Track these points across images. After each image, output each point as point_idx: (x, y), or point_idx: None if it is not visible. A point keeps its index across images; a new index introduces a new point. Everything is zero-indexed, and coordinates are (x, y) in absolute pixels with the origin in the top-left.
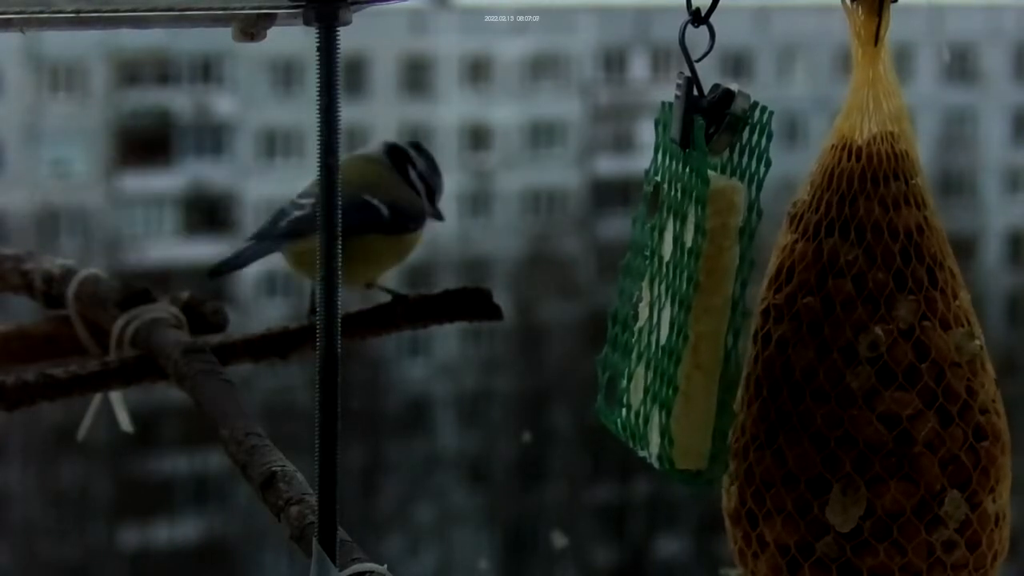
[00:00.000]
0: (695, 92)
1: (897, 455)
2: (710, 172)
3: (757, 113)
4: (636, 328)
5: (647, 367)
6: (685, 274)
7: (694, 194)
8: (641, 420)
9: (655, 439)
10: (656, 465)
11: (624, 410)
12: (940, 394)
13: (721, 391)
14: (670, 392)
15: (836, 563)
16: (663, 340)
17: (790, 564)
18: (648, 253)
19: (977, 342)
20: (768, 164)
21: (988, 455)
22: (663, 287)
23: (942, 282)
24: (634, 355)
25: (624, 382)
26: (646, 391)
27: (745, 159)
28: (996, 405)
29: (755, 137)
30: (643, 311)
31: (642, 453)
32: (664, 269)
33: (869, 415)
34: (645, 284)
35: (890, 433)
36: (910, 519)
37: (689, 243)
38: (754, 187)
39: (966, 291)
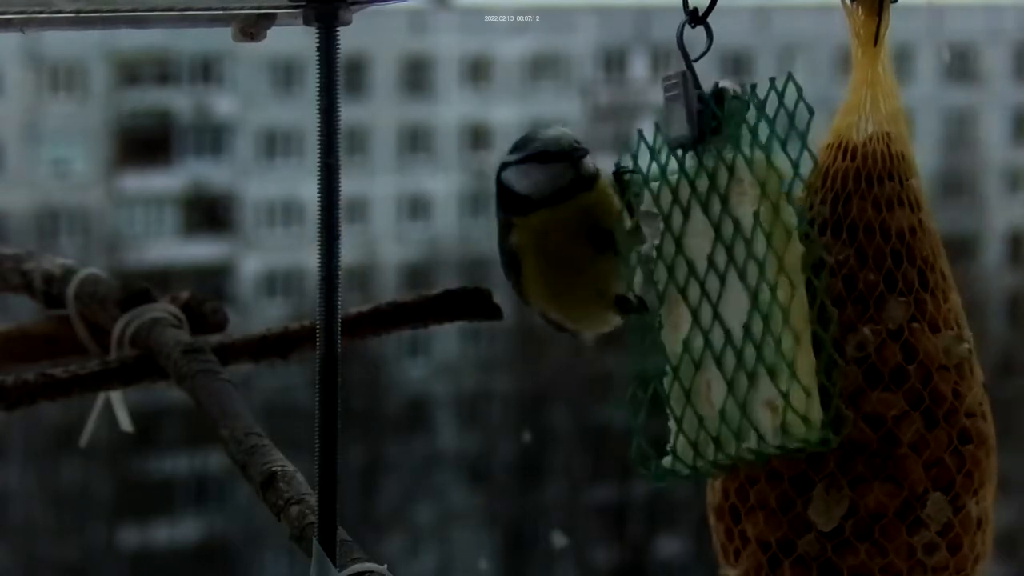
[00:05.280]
0: (696, 88)
1: (881, 456)
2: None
3: (780, 87)
4: (681, 339)
5: (720, 365)
6: (753, 248)
7: (729, 177)
8: (737, 413)
9: (765, 418)
10: (772, 442)
11: (696, 420)
12: (927, 396)
13: (817, 354)
14: (781, 362)
15: (817, 562)
16: (751, 325)
17: (771, 561)
18: (655, 256)
19: (966, 345)
20: (798, 131)
21: (973, 458)
22: (720, 280)
23: (933, 284)
24: (683, 364)
25: (680, 397)
26: (730, 384)
27: (769, 130)
28: (983, 408)
29: (778, 112)
30: (684, 318)
31: (745, 445)
32: (716, 260)
33: (855, 415)
34: (670, 287)
35: (875, 433)
36: (892, 520)
37: (744, 220)
38: (786, 154)
39: (957, 294)
